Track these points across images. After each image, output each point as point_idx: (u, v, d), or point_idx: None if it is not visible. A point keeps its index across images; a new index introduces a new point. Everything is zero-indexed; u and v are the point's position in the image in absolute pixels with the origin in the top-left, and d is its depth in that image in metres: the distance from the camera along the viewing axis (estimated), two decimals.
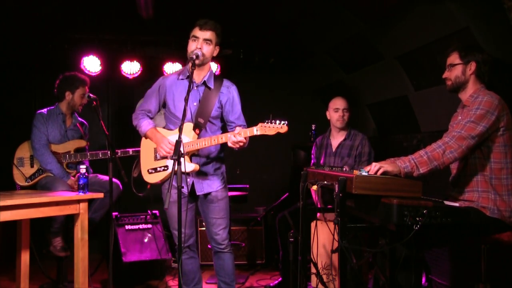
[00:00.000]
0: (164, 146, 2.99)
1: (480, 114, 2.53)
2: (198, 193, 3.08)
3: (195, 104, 3.04)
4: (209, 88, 3.05)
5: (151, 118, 3.20)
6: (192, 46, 2.95)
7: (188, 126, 2.99)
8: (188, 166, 2.94)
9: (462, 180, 2.72)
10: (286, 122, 2.72)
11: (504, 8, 2.72)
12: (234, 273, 3.21)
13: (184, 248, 3.12)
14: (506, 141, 2.59)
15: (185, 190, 3.05)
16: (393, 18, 3.63)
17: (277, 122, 2.72)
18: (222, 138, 2.87)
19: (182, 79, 3.09)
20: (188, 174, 3.02)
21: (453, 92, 2.78)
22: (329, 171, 2.76)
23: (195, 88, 3.05)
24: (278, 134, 2.75)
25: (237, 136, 2.78)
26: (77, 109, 4.12)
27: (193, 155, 3.04)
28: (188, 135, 2.98)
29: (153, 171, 3.11)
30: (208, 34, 2.94)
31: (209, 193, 3.10)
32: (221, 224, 3.11)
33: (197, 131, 2.98)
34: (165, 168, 3.06)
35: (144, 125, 3.13)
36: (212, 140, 2.89)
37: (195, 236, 3.23)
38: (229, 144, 2.83)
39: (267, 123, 2.73)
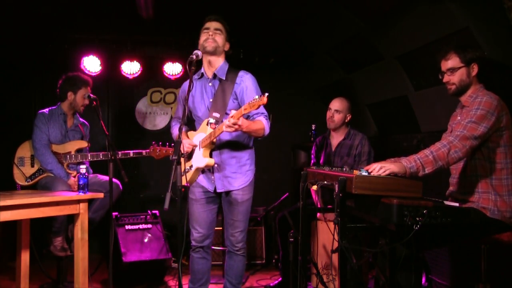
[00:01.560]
0: (184, 143, 3.03)
1: (480, 115, 2.52)
2: (218, 190, 3.08)
3: (211, 100, 3.07)
4: (221, 80, 3.05)
5: (185, 123, 3.25)
6: (203, 36, 3.02)
7: (204, 122, 3.04)
8: (202, 160, 2.97)
9: (462, 181, 2.72)
10: (267, 94, 2.61)
11: (504, 8, 2.71)
12: (242, 275, 3.24)
13: (197, 247, 3.15)
14: (506, 142, 2.58)
15: (210, 188, 3.10)
16: (393, 18, 3.63)
17: (259, 96, 2.63)
18: (223, 126, 2.79)
19: (197, 78, 3.14)
20: (210, 170, 3.06)
21: (456, 96, 2.76)
22: (329, 171, 2.76)
23: (209, 84, 3.08)
24: (261, 106, 2.66)
25: (230, 120, 2.69)
26: (79, 110, 4.12)
27: (213, 150, 3.04)
28: (204, 131, 3.00)
29: (184, 173, 3.12)
30: (218, 24, 3.03)
31: (231, 193, 3.08)
32: (239, 226, 3.12)
33: (212, 126, 2.96)
34: (190, 168, 3.08)
35: (175, 131, 3.27)
36: (217, 131, 2.87)
37: (211, 239, 3.24)
38: (224, 129, 2.75)
39: (253, 100, 2.65)
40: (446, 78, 2.72)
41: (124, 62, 5.02)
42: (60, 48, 4.80)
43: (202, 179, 3.15)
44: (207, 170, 3.10)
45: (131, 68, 5.05)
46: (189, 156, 3.11)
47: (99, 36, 4.87)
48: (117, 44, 4.95)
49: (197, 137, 3.08)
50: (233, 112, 2.74)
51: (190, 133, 3.20)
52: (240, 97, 3.05)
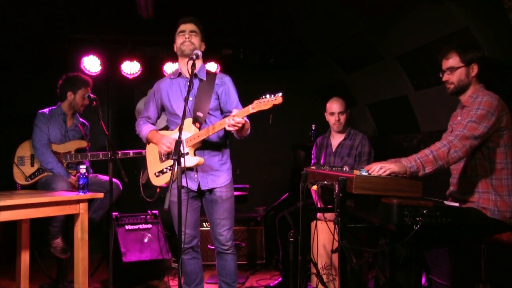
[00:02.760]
0: (164, 142, 3.01)
1: (481, 114, 2.52)
2: (202, 188, 3.06)
3: (191, 99, 3.04)
4: (202, 80, 3.06)
5: (153, 124, 3.25)
6: (180, 39, 3.03)
7: (188, 121, 2.99)
8: (192, 160, 2.95)
9: (462, 181, 2.72)
10: (280, 94, 2.63)
11: (504, 8, 2.72)
12: (236, 274, 3.21)
13: (187, 249, 3.13)
14: (506, 141, 2.58)
15: (194, 187, 3.07)
16: (393, 18, 3.63)
17: (272, 95, 2.65)
18: (221, 124, 2.83)
19: (173, 78, 3.14)
20: (192, 169, 3.02)
21: (455, 95, 2.77)
22: (329, 171, 2.76)
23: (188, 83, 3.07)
24: (274, 106, 2.66)
25: (235, 118, 2.72)
26: (78, 110, 4.13)
27: (197, 149, 3.03)
28: (189, 130, 2.98)
29: (160, 174, 3.11)
30: (193, 26, 3.04)
31: (214, 191, 3.08)
32: (226, 225, 3.11)
33: (197, 124, 2.97)
34: (171, 168, 3.05)
35: (144, 130, 3.18)
36: (211, 128, 2.87)
37: (199, 238, 3.23)
38: (227, 128, 2.77)
39: (262, 98, 2.67)
40: (445, 77, 2.73)
41: (124, 62, 5.02)
42: (60, 48, 4.81)
43: (184, 179, 3.09)
44: (189, 170, 3.05)
45: (131, 68, 5.05)
46: (167, 156, 3.08)
47: (99, 36, 4.87)
48: (117, 44, 4.96)
49: (176, 136, 3.02)
50: (235, 111, 2.76)
51: (165, 132, 3.16)
52: (222, 97, 3.08)
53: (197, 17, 3.11)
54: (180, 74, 3.12)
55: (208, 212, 3.15)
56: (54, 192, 3.58)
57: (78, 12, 4.38)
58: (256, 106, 2.67)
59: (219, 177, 3.09)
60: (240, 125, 2.75)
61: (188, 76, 3.04)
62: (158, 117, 3.30)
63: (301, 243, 2.92)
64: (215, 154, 3.08)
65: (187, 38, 3.01)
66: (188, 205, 3.04)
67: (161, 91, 3.16)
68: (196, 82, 3.07)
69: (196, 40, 3.04)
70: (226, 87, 3.09)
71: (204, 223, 4.63)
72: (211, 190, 3.09)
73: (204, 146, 3.04)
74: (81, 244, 3.25)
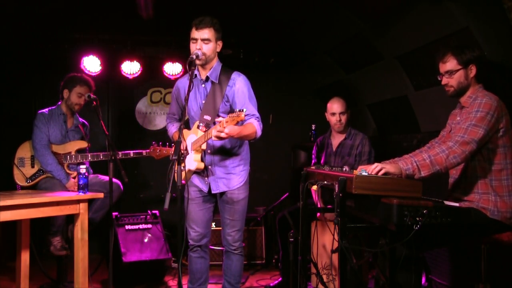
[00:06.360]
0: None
1: (480, 117, 2.52)
2: (213, 192, 3.08)
3: (203, 102, 3.06)
4: (214, 83, 3.04)
5: (179, 120, 3.32)
6: (192, 48, 2.97)
7: (195, 124, 3.05)
8: (193, 163, 2.98)
9: (462, 182, 2.72)
10: (245, 109, 2.57)
11: (504, 8, 2.71)
12: (241, 275, 3.24)
13: (195, 246, 3.16)
14: (505, 142, 2.58)
15: (204, 189, 3.12)
16: (393, 18, 3.63)
17: (236, 111, 2.59)
18: (211, 132, 2.78)
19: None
20: (203, 171, 3.07)
21: (454, 97, 2.76)
22: (329, 171, 2.76)
23: (202, 85, 3.07)
24: (238, 123, 2.62)
25: (217, 127, 2.66)
26: (73, 108, 4.06)
27: (207, 153, 3.05)
28: (195, 133, 3.01)
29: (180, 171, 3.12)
30: (205, 33, 2.93)
31: (226, 193, 3.09)
32: (235, 226, 3.12)
33: (203, 128, 2.96)
34: (184, 169, 3.05)
35: (170, 130, 3.33)
36: (206, 135, 2.86)
37: (209, 237, 3.24)
38: (213, 139, 2.72)
39: (233, 114, 2.61)
40: (444, 81, 2.72)
41: (124, 62, 5.02)
42: (60, 48, 4.80)
43: (196, 179, 3.16)
44: (201, 172, 3.10)
45: (131, 68, 5.04)
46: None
47: (99, 36, 4.87)
48: (117, 44, 4.95)
49: (189, 138, 3.09)
50: (220, 118, 2.71)
51: (185, 131, 3.17)
52: (232, 100, 3.03)
53: (211, 17, 2.97)
54: (196, 76, 3.08)
55: (220, 211, 3.18)
56: (54, 192, 3.58)
57: (78, 12, 4.38)
58: (229, 120, 2.60)
59: (230, 180, 3.08)
60: (223, 135, 2.64)
61: (203, 77, 3.06)
62: (183, 112, 3.30)
63: (301, 243, 2.92)
64: (227, 158, 3.08)
65: (198, 49, 2.92)
66: (200, 204, 3.14)
67: (179, 90, 3.21)
68: (208, 84, 3.06)
69: (208, 48, 2.94)
70: (236, 88, 3.01)
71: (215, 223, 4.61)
72: (222, 193, 3.10)
73: (215, 149, 3.06)
74: (81, 244, 3.26)
